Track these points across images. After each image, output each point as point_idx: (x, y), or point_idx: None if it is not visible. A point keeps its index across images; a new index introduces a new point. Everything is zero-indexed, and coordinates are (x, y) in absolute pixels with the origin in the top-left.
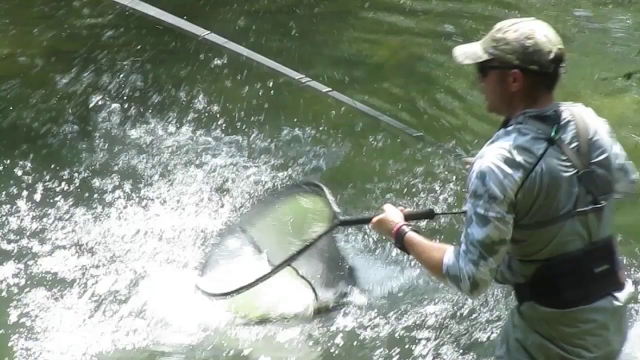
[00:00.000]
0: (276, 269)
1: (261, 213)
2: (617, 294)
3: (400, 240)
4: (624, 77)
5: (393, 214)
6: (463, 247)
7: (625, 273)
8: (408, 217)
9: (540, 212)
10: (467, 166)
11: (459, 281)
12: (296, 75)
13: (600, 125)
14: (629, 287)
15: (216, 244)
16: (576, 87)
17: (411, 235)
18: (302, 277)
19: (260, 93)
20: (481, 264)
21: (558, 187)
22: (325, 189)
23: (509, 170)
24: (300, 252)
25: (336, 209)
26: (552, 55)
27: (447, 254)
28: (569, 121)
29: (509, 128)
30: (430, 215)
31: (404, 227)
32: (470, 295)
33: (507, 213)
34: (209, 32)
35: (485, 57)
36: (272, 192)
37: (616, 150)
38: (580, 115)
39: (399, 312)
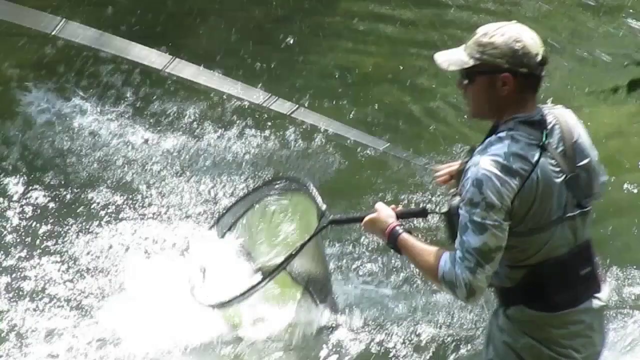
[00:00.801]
0: (272, 274)
1: (241, 214)
2: (598, 295)
3: (393, 241)
4: (611, 90)
5: (385, 213)
6: (459, 254)
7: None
8: (400, 216)
9: (534, 219)
10: (436, 174)
11: (455, 288)
12: (262, 98)
13: (580, 127)
14: (606, 287)
15: (200, 251)
16: (566, 96)
17: (405, 236)
18: (297, 281)
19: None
20: (478, 271)
21: (551, 193)
22: (310, 185)
23: (505, 177)
24: (293, 255)
25: (323, 207)
26: (539, 58)
27: (442, 259)
28: (554, 125)
29: (501, 134)
30: (423, 213)
31: (397, 228)
32: (465, 302)
33: (503, 220)
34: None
35: (471, 62)
36: (251, 190)
37: (594, 152)
38: (564, 119)
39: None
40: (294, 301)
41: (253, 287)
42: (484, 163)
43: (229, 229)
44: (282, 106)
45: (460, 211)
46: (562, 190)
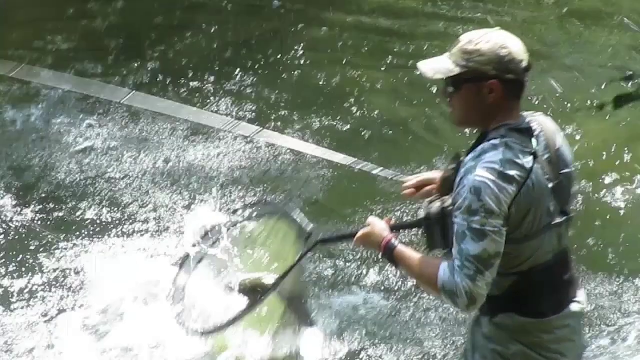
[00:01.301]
0: (261, 298)
1: (220, 242)
2: (578, 298)
3: (389, 254)
4: (597, 107)
5: (379, 226)
6: (458, 262)
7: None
8: (394, 228)
9: (529, 225)
10: (404, 185)
11: (456, 297)
12: (225, 122)
13: (561, 135)
14: (582, 290)
15: (180, 278)
16: (557, 107)
17: (401, 248)
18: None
19: None
20: (478, 279)
21: (544, 200)
22: (290, 208)
23: (503, 184)
24: (282, 277)
25: (308, 227)
26: (524, 64)
27: (441, 269)
28: (539, 132)
29: (495, 141)
30: (418, 225)
31: (393, 241)
32: (466, 311)
33: (502, 226)
34: None
35: (457, 70)
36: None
37: (572, 159)
38: (546, 126)
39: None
40: (279, 320)
41: (243, 312)
42: (481, 170)
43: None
44: (246, 128)
45: (456, 220)
46: (551, 197)
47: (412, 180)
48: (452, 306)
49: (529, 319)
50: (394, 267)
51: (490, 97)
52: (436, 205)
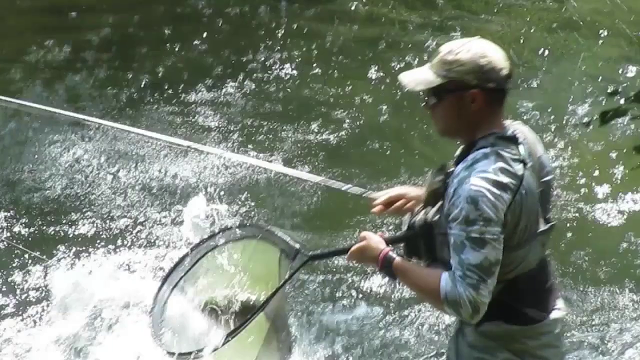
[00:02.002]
0: (250, 318)
1: (198, 269)
2: (558, 305)
3: (387, 267)
4: (584, 124)
5: (375, 240)
6: (459, 272)
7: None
8: (390, 242)
9: (521, 233)
10: (374, 203)
11: (459, 307)
12: (185, 142)
13: (540, 142)
14: (561, 296)
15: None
16: (544, 118)
17: (400, 261)
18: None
19: None
20: (481, 287)
21: (534, 207)
22: (273, 228)
23: (498, 191)
24: (271, 296)
25: (296, 245)
26: (505, 72)
27: (442, 280)
28: (523, 140)
29: (485, 150)
30: (413, 237)
31: (390, 253)
32: (470, 320)
33: (500, 234)
34: None
35: (439, 81)
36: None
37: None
38: (527, 134)
39: None
40: (261, 338)
41: (230, 334)
42: (475, 179)
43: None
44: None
45: (452, 231)
46: (537, 205)
47: (381, 196)
48: (455, 316)
49: (516, 326)
50: (391, 280)
51: (472, 107)
52: (420, 217)
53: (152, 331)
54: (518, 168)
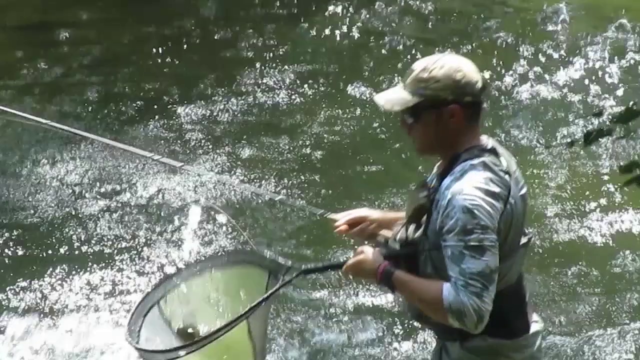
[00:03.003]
0: (232, 322)
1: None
2: (535, 318)
3: (387, 279)
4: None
5: (372, 254)
6: (461, 282)
7: None
8: (388, 257)
9: (510, 243)
10: (335, 224)
11: (464, 316)
12: (147, 153)
13: (513, 157)
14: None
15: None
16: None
17: (399, 273)
18: (251, 337)
19: None
20: (484, 295)
21: (520, 219)
22: (259, 250)
23: (492, 200)
24: (257, 305)
25: (288, 262)
26: (480, 84)
27: (444, 290)
28: (501, 152)
29: (473, 162)
30: (411, 252)
31: (389, 267)
32: (474, 330)
33: (496, 241)
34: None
35: (415, 99)
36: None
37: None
38: (502, 148)
39: None
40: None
41: (209, 335)
42: (469, 189)
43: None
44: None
45: (448, 242)
46: (522, 216)
47: (342, 218)
48: (458, 326)
49: (502, 340)
50: (390, 292)
51: (451, 122)
52: (416, 233)
53: (127, 330)
54: (506, 179)
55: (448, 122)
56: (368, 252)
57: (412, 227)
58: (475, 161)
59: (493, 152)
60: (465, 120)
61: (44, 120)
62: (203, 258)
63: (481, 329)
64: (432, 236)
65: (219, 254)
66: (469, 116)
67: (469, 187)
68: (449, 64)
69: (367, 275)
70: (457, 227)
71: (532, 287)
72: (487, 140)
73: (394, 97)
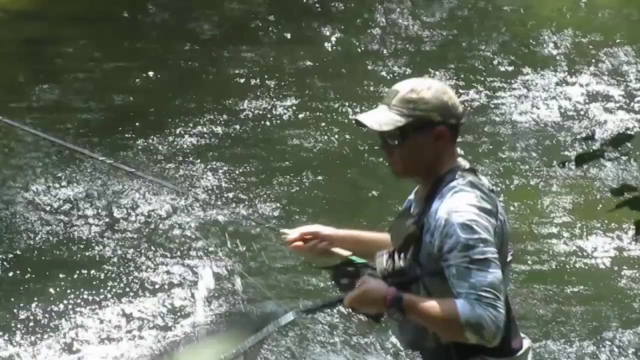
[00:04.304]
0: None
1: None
2: (522, 334)
3: (397, 304)
4: (559, 165)
5: (375, 281)
6: (474, 296)
7: None
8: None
9: (502, 260)
10: (287, 240)
11: (482, 329)
12: (99, 157)
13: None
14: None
15: None
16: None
17: (409, 296)
18: None
19: None
20: (498, 306)
21: (507, 235)
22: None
23: (486, 215)
24: (258, 342)
25: (291, 312)
26: (461, 107)
27: (458, 305)
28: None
29: (460, 181)
30: (415, 279)
31: (398, 292)
32: (492, 342)
33: (497, 253)
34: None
35: (404, 120)
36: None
37: None
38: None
39: None
40: None
41: None
42: (463, 207)
43: None
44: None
45: (450, 261)
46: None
47: (293, 234)
48: (476, 341)
49: (500, 359)
50: (398, 318)
51: (438, 144)
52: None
53: None
54: (492, 196)
55: (435, 144)
56: (370, 280)
57: (400, 256)
58: (462, 181)
59: (472, 171)
60: (449, 141)
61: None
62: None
63: (499, 340)
64: (425, 261)
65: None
66: (452, 138)
67: (463, 204)
68: (435, 85)
69: (373, 304)
70: (459, 244)
71: (527, 306)
72: (463, 161)
73: (381, 117)
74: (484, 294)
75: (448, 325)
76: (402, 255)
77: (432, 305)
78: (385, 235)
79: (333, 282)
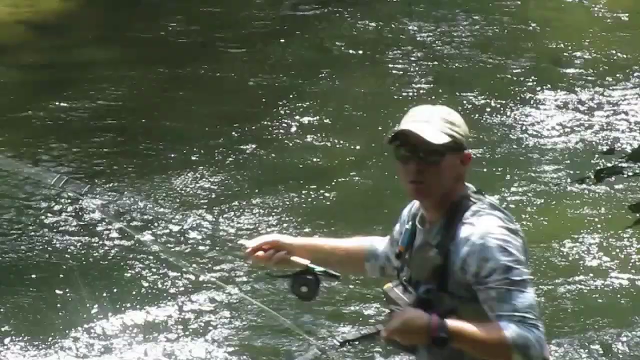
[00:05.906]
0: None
1: None
2: None
3: (443, 331)
4: (578, 181)
5: (414, 311)
6: (517, 317)
7: None
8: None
9: None
10: (247, 252)
11: (529, 350)
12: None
13: None
14: None
15: None
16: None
17: (453, 322)
18: None
19: None
20: (540, 325)
21: (527, 252)
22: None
23: (516, 237)
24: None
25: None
26: None
27: (504, 329)
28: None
29: (481, 205)
30: (452, 308)
31: (439, 318)
32: None
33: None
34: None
35: (448, 139)
36: None
37: None
38: None
39: None
40: None
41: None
42: (495, 230)
43: None
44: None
45: (490, 285)
46: None
47: (252, 244)
48: None
49: None
50: (440, 347)
51: (463, 168)
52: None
53: None
54: (510, 215)
55: (461, 167)
56: (409, 310)
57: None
58: (482, 204)
59: (481, 194)
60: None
61: None
62: None
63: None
64: (455, 289)
65: None
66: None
67: (494, 227)
68: (454, 112)
69: (417, 332)
70: (498, 267)
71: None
72: (470, 185)
73: (431, 131)
74: (527, 315)
75: (496, 348)
76: (421, 286)
77: (477, 329)
78: (345, 241)
79: (291, 291)
